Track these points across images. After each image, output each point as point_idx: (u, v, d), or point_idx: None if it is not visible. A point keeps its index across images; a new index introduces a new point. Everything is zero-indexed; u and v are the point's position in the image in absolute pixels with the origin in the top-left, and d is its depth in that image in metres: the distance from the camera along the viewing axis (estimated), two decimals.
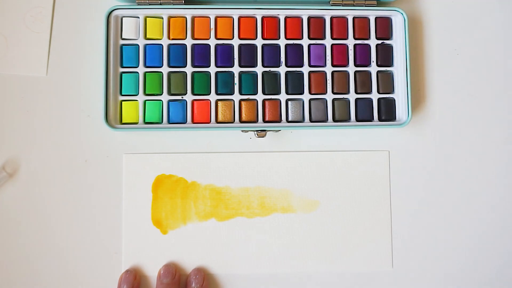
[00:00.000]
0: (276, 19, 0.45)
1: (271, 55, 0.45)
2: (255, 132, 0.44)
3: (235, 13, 0.45)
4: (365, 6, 0.45)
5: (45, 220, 0.45)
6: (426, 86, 0.48)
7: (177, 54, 0.44)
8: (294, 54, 0.45)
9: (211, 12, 0.44)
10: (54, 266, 0.44)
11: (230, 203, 0.46)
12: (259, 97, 0.45)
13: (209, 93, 0.44)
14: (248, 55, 0.45)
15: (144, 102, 0.44)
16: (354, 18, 0.46)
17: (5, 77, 0.45)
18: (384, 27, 0.46)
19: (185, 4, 0.44)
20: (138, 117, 0.44)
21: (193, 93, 0.44)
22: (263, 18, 0.45)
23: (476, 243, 0.47)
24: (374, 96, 0.45)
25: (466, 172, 0.47)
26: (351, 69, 0.45)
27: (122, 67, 0.44)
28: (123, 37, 0.44)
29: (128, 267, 0.44)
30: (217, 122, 0.44)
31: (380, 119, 0.45)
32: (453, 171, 0.47)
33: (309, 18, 0.45)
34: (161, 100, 0.44)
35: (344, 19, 0.46)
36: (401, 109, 0.45)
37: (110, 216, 0.45)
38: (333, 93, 0.45)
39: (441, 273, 0.46)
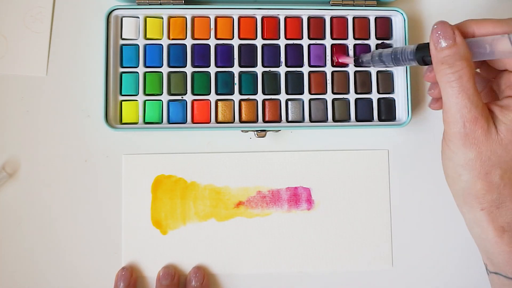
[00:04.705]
0: (276, 19, 0.45)
1: (271, 55, 0.45)
2: (255, 132, 0.44)
3: (235, 13, 0.45)
4: (365, 6, 0.45)
5: (45, 220, 0.45)
6: (426, 86, 0.48)
7: (177, 54, 0.44)
8: (294, 54, 0.45)
9: (211, 12, 0.44)
10: (53, 266, 0.44)
11: (229, 203, 0.45)
12: (259, 97, 0.45)
13: (209, 93, 0.44)
14: (248, 55, 0.45)
15: (144, 102, 0.44)
16: (354, 18, 0.45)
17: (5, 77, 0.45)
18: (384, 27, 0.46)
19: (185, 4, 0.44)
20: (138, 117, 0.44)
21: (193, 93, 0.44)
22: (263, 18, 0.45)
23: None
24: (374, 96, 0.45)
25: None
26: (351, 69, 0.45)
27: (122, 67, 0.44)
28: (123, 37, 0.44)
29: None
30: (217, 122, 0.44)
31: (380, 119, 0.45)
32: None
33: (309, 18, 0.45)
34: (161, 100, 0.44)
35: (344, 19, 0.46)
36: (401, 109, 0.45)
37: (110, 216, 0.45)
38: (333, 93, 0.45)
39: (441, 271, 0.46)
